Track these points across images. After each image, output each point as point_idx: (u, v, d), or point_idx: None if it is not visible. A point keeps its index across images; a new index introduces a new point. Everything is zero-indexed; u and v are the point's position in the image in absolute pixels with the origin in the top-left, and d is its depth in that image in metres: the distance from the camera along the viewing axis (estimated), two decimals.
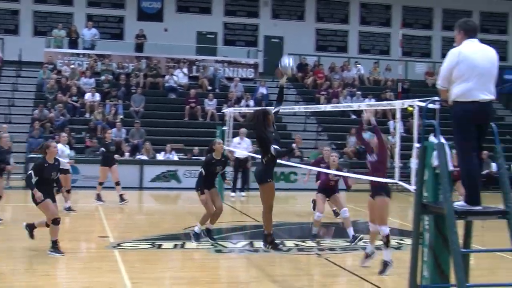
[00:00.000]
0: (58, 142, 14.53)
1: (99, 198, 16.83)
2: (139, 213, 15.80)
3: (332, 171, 11.97)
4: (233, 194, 19.07)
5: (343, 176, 12.54)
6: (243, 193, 20.00)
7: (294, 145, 13.18)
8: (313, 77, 29.96)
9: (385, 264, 9.60)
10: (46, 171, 10.41)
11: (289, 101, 27.92)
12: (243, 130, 19.58)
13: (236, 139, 19.16)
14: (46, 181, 10.44)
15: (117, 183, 16.89)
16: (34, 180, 10.27)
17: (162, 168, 21.51)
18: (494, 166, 21.62)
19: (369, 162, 9.86)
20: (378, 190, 9.72)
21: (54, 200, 10.54)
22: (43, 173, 10.38)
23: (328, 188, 12.34)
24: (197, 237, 11.72)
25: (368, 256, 10.11)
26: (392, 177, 8.99)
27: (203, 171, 11.79)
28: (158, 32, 30.61)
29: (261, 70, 31.02)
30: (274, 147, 9.14)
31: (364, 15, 34.26)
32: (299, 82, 30.22)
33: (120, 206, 16.41)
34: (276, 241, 9.83)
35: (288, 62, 9.74)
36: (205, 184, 11.78)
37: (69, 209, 15.04)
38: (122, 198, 16.75)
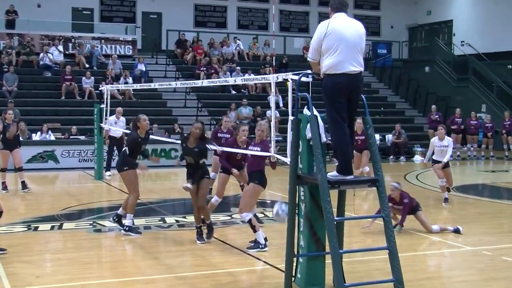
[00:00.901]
0: None
1: (5, 187, 15.53)
2: (15, 195, 15.22)
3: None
4: (108, 173, 18.67)
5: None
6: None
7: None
8: (192, 53, 29.83)
9: (256, 243, 9.74)
10: None
11: (169, 77, 27.74)
12: (119, 109, 19.16)
13: (112, 118, 18.75)
14: None
15: (20, 169, 15.73)
16: None
17: (38, 148, 20.80)
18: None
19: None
20: (252, 178, 9.79)
21: None
22: None
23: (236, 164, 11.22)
24: (133, 229, 10.83)
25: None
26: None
27: (127, 149, 10.90)
28: (31, 8, 29.41)
29: (139, 46, 30.54)
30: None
31: None
32: (178, 59, 30.03)
33: None
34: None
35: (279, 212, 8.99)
36: (130, 163, 10.87)
37: None
38: (24, 185, 15.60)
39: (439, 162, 14.11)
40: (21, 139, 16.43)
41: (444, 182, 14.17)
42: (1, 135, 15.32)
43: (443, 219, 12.70)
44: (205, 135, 10.36)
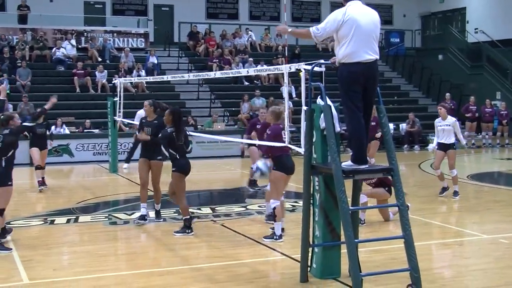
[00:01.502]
0: None
1: (44, 182, 15.21)
2: (30, 189, 15.32)
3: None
4: (126, 165, 18.75)
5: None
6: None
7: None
8: (204, 45, 29.83)
9: (273, 233, 9.71)
10: None
11: (182, 70, 27.75)
12: (147, 101, 19.16)
13: (141, 111, 18.75)
14: None
15: (42, 167, 15.14)
16: None
17: (53, 142, 20.83)
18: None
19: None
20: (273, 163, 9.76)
21: None
22: None
23: None
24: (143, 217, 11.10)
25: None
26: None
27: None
28: (43, 2, 29.50)
29: (151, 39, 30.59)
30: None
31: None
32: (190, 51, 30.03)
33: None
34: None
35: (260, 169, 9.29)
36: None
37: None
38: (43, 183, 15.15)
39: (443, 144, 13.27)
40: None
41: (454, 172, 13.33)
42: (31, 134, 15.13)
43: (459, 207, 12.66)
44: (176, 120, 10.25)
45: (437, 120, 13.45)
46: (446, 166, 13.33)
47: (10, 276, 7.98)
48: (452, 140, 13.29)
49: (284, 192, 10.03)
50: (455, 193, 13.32)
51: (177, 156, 10.33)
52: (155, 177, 11.11)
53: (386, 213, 10.79)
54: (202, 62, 28.84)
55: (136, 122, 15.75)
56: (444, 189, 13.48)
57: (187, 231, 10.15)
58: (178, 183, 10.35)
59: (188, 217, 10.27)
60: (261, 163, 9.42)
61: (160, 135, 10.33)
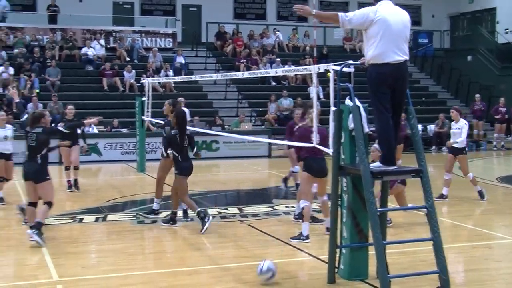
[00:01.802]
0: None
1: (76, 183, 14.87)
2: (59, 188, 15.44)
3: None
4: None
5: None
6: None
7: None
8: (232, 45, 29.89)
9: (300, 234, 9.69)
10: None
11: (209, 70, 27.84)
12: (181, 99, 19.35)
13: None
14: None
15: (76, 167, 14.82)
16: None
17: (81, 141, 21.00)
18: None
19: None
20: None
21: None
22: None
23: None
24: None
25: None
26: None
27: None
28: (73, 2, 29.79)
29: (179, 39, 30.72)
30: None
31: None
32: (218, 51, 30.11)
33: None
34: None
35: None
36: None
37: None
38: (75, 185, 14.86)
39: (453, 148, 13.03)
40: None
41: (471, 176, 13.09)
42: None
43: (488, 210, 12.53)
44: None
45: (452, 122, 13.35)
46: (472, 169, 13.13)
47: (40, 273, 8.07)
48: (461, 145, 13.01)
49: (314, 193, 10.02)
50: (480, 194, 13.09)
51: (179, 158, 10.45)
52: None
53: (403, 201, 10.69)
54: (230, 62, 28.90)
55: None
56: (480, 193, 13.16)
57: (205, 219, 10.31)
58: (180, 185, 10.57)
59: (199, 209, 10.50)
60: (267, 264, 7.79)
61: (164, 134, 10.55)
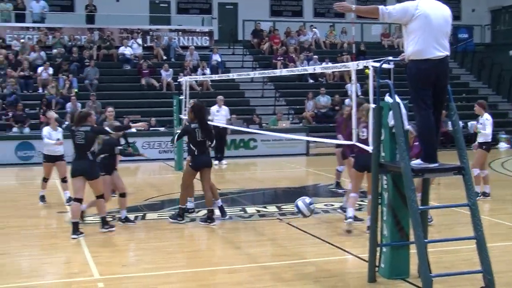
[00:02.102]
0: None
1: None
2: None
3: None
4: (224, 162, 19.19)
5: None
6: (220, 162, 19.56)
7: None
8: (269, 43, 29.83)
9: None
10: None
11: (246, 67, 27.83)
12: (220, 97, 19.46)
13: (214, 107, 19.05)
14: None
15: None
16: None
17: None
18: (450, 124, 21.88)
19: None
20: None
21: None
22: None
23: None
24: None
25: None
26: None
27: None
28: (110, 2, 30.06)
29: (216, 37, 30.76)
30: None
31: None
32: (255, 49, 30.09)
33: None
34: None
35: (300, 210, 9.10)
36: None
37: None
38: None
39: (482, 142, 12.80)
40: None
41: (482, 172, 12.82)
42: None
43: None
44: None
45: (478, 117, 13.03)
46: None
47: (82, 271, 8.14)
48: (481, 139, 12.77)
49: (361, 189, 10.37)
50: (479, 194, 12.52)
51: (196, 152, 10.74)
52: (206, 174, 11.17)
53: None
54: (267, 60, 28.85)
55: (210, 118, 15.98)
56: (485, 193, 12.88)
57: (178, 219, 10.79)
58: (187, 177, 11.09)
59: (185, 207, 11.03)
60: (301, 203, 9.10)
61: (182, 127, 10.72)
